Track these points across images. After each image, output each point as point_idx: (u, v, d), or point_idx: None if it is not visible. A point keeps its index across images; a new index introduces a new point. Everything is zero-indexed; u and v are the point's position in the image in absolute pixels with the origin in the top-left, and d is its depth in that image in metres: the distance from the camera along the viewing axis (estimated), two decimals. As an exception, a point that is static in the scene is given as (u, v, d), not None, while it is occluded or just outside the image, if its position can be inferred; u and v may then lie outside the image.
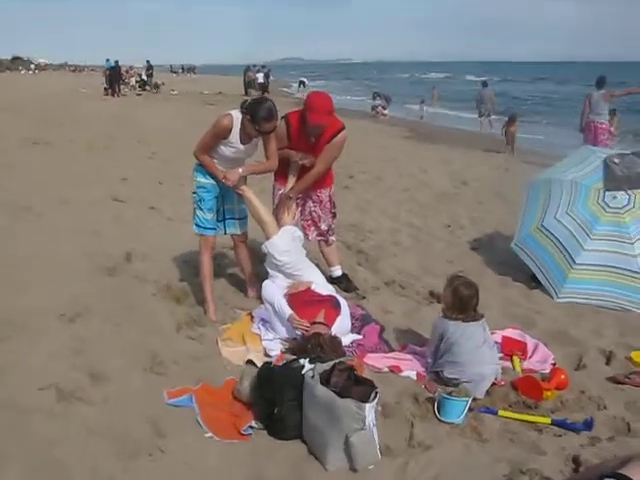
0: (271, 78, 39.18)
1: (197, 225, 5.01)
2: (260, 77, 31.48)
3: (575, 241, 5.88)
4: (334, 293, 5.12)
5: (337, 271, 5.82)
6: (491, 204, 9.96)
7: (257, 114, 4.56)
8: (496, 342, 4.71)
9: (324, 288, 5.08)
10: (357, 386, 3.33)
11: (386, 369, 4.35)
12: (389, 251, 7.13)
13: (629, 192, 5.92)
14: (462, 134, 21.19)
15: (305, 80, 43.85)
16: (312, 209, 5.60)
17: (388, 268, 6.52)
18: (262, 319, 4.87)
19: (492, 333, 4.95)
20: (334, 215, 5.74)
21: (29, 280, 5.41)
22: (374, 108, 26.62)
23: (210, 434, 3.47)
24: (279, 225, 5.15)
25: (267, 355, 4.44)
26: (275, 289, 4.86)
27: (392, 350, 4.68)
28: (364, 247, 7.17)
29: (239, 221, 5.26)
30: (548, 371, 4.44)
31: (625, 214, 5.83)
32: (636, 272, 5.65)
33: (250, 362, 4.28)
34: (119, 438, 3.37)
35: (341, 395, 3.23)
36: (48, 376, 3.85)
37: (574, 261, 5.80)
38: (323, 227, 5.65)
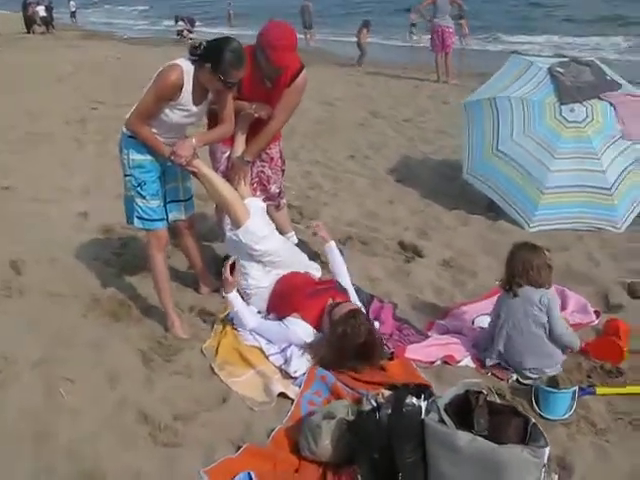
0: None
1: (140, 218, 3.74)
2: (41, 10, 27.44)
3: (539, 163, 5.38)
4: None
5: (292, 238, 4.80)
6: (372, 123, 9.27)
7: (222, 60, 3.33)
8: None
9: (315, 270, 4.12)
10: (500, 416, 2.50)
11: (439, 361, 3.54)
12: (317, 199, 6.19)
13: (585, 103, 5.46)
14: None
15: (74, 7, 34.26)
16: (260, 169, 4.49)
17: (331, 221, 5.60)
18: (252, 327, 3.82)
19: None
20: (283, 172, 4.67)
21: None
22: (179, 33, 24.42)
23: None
24: None
25: (289, 376, 3.41)
26: (248, 313, 3.83)
27: (421, 333, 3.85)
28: (288, 199, 6.12)
29: (184, 203, 4.03)
30: (597, 322, 3.91)
31: (586, 127, 5.39)
32: (606, 189, 5.30)
33: (283, 395, 3.25)
34: None
35: (498, 440, 2.37)
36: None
37: (543, 185, 5.31)
38: (273, 189, 4.57)
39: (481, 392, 2.54)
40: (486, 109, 5.76)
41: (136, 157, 3.64)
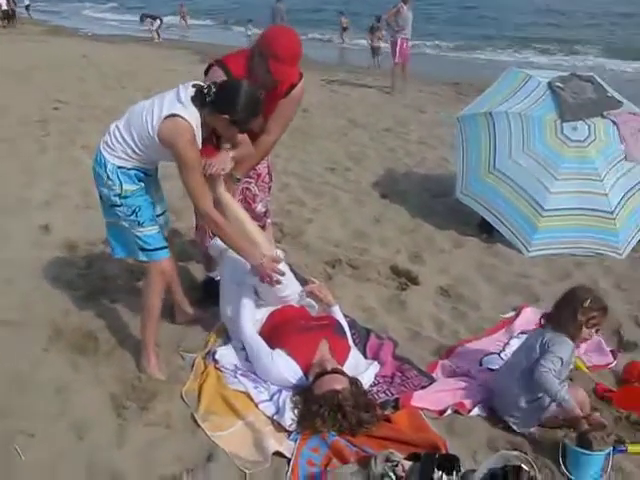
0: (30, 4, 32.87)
1: (143, 250, 3.25)
2: (3, 4, 26.31)
3: (539, 184, 5.07)
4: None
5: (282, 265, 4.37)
6: (349, 132, 8.90)
7: (241, 111, 2.96)
8: (523, 332, 3.79)
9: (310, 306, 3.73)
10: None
11: (449, 411, 3.17)
12: (299, 215, 5.77)
13: (587, 121, 5.17)
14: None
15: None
16: (246, 186, 4.05)
17: (315, 241, 5.21)
18: (236, 365, 3.40)
19: (508, 320, 4.03)
20: (270, 189, 4.25)
21: None
22: (144, 18, 23.70)
23: None
24: None
25: (283, 429, 2.99)
26: (247, 321, 3.40)
27: (425, 374, 3.47)
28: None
29: (163, 216, 3.58)
30: (614, 363, 3.60)
31: (589, 147, 5.10)
32: (608, 212, 5.03)
33: (278, 454, 2.83)
34: None
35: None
36: None
37: (542, 207, 5.00)
38: (259, 208, 4.14)
39: (521, 467, 2.16)
40: (482, 124, 5.43)
41: (130, 187, 3.17)
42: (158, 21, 23.29)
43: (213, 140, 3.41)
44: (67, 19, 34.11)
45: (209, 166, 3.23)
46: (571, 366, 3.15)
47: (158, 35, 23.09)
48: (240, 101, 2.93)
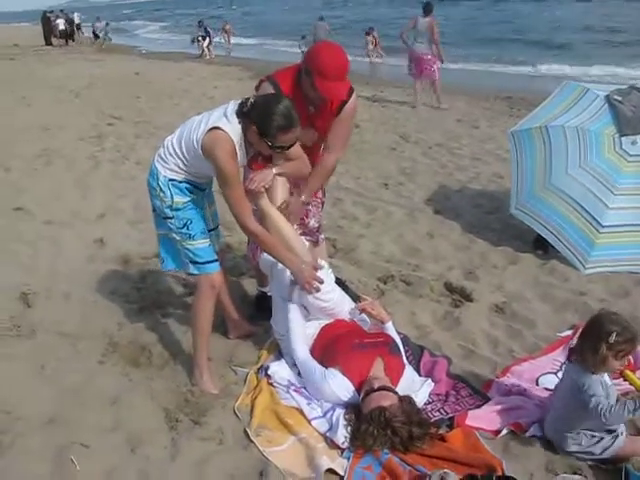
0: (80, 22, 33.74)
1: (194, 263, 3.28)
2: (61, 23, 27.31)
3: (596, 200, 4.91)
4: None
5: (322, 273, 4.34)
6: (400, 147, 8.89)
7: (270, 125, 2.93)
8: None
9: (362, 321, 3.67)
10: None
11: (505, 430, 3.08)
12: (352, 231, 5.74)
13: (647, 135, 5.01)
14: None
15: (78, 18, 32.73)
16: None
17: (368, 256, 5.17)
18: (289, 381, 3.38)
19: (565, 339, 3.91)
20: (323, 205, 4.24)
21: None
22: (195, 41, 24.10)
23: None
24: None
25: (335, 446, 2.96)
26: (298, 342, 3.39)
27: (479, 393, 3.39)
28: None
29: (215, 231, 3.61)
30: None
31: (649, 161, 4.93)
32: (669, 229, 4.81)
33: (331, 471, 2.79)
34: None
35: None
36: None
37: (600, 224, 4.84)
38: (312, 224, 4.13)
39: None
40: (537, 139, 5.32)
41: (180, 199, 3.21)
42: (208, 38, 23.66)
43: (259, 159, 3.43)
44: (126, 38, 35.00)
45: (250, 181, 3.23)
46: (614, 392, 2.97)
47: (209, 51, 23.45)
48: (270, 114, 2.91)
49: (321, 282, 3.26)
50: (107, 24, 29.96)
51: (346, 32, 27.35)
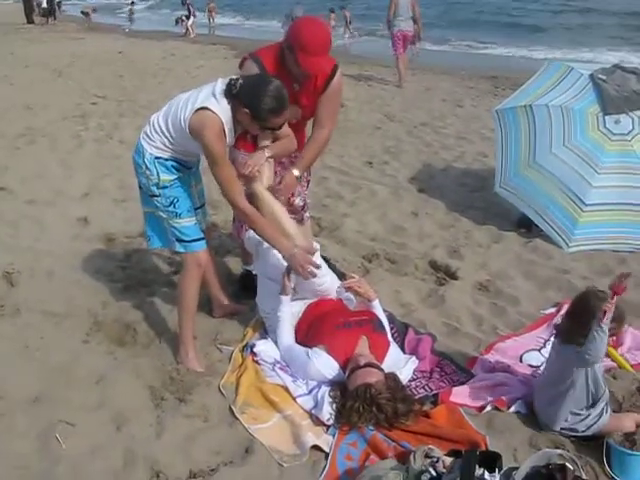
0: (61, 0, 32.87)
1: (180, 241, 3.27)
2: (44, 1, 26.73)
3: (580, 178, 4.96)
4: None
5: (317, 255, 4.35)
6: (385, 126, 8.84)
7: (261, 107, 2.92)
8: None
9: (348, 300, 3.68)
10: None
11: (489, 407, 3.11)
12: (337, 209, 5.75)
13: (631, 114, 5.04)
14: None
15: None
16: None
17: (352, 235, 5.18)
18: (274, 359, 3.39)
19: (549, 316, 3.95)
20: (308, 183, 4.24)
21: None
22: (179, 21, 23.79)
23: None
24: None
25: (321, 423, 2.98)
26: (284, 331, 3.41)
27: (463, 370, 3.42)
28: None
29: (201, 210, 3.59)
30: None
31: (632, 140, 4.99)
32: (652, 207, 4.86)
33: (316, 448, 2.82)
34: None
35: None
36: None
37: (583, 202, 4.89)
38: (297, 202, 4.12)
39: (566, 466, 2.11)
40: (521, 117, 5.33)
41: (166, 177, 3.19)
42: (192, 17, 23.36)
43: (248, 136, 3.42)
44: (109, 17, 34.35)
45: (245, 166, 3.22)
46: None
47: (192, 30, 23.17)
48: (262, 97, 2.90)
49: (317, 267, 3.25)
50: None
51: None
